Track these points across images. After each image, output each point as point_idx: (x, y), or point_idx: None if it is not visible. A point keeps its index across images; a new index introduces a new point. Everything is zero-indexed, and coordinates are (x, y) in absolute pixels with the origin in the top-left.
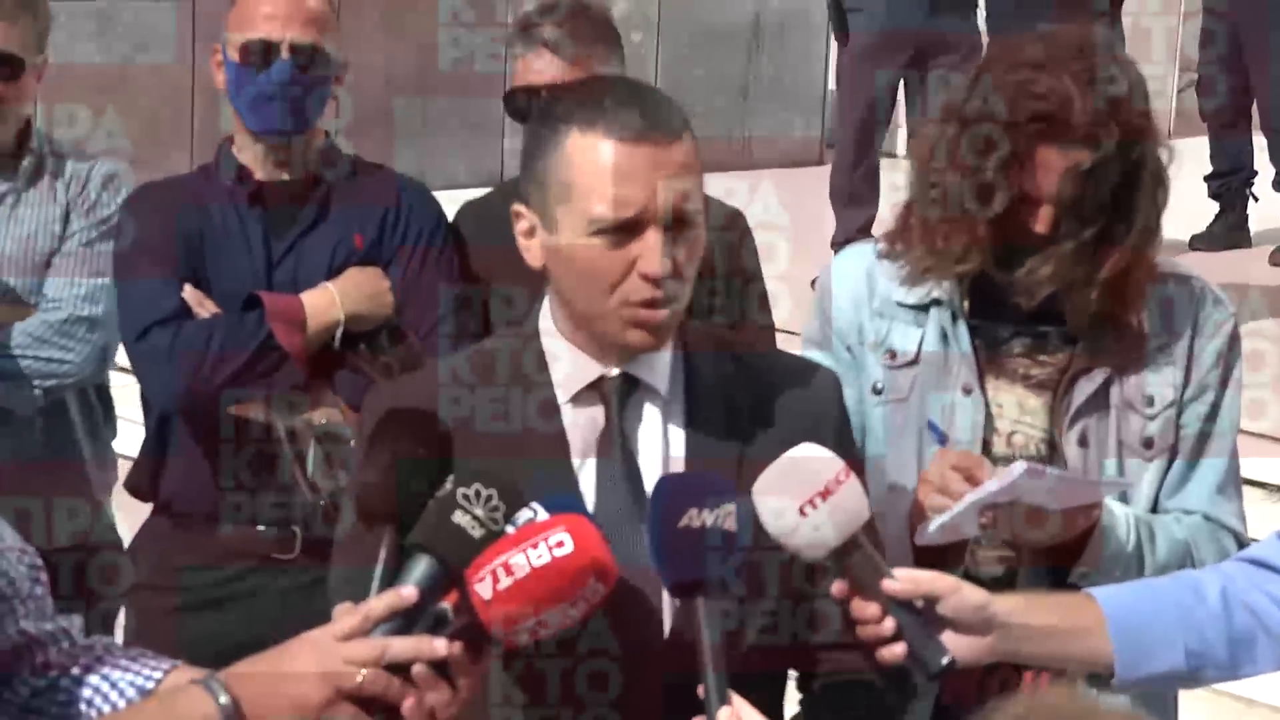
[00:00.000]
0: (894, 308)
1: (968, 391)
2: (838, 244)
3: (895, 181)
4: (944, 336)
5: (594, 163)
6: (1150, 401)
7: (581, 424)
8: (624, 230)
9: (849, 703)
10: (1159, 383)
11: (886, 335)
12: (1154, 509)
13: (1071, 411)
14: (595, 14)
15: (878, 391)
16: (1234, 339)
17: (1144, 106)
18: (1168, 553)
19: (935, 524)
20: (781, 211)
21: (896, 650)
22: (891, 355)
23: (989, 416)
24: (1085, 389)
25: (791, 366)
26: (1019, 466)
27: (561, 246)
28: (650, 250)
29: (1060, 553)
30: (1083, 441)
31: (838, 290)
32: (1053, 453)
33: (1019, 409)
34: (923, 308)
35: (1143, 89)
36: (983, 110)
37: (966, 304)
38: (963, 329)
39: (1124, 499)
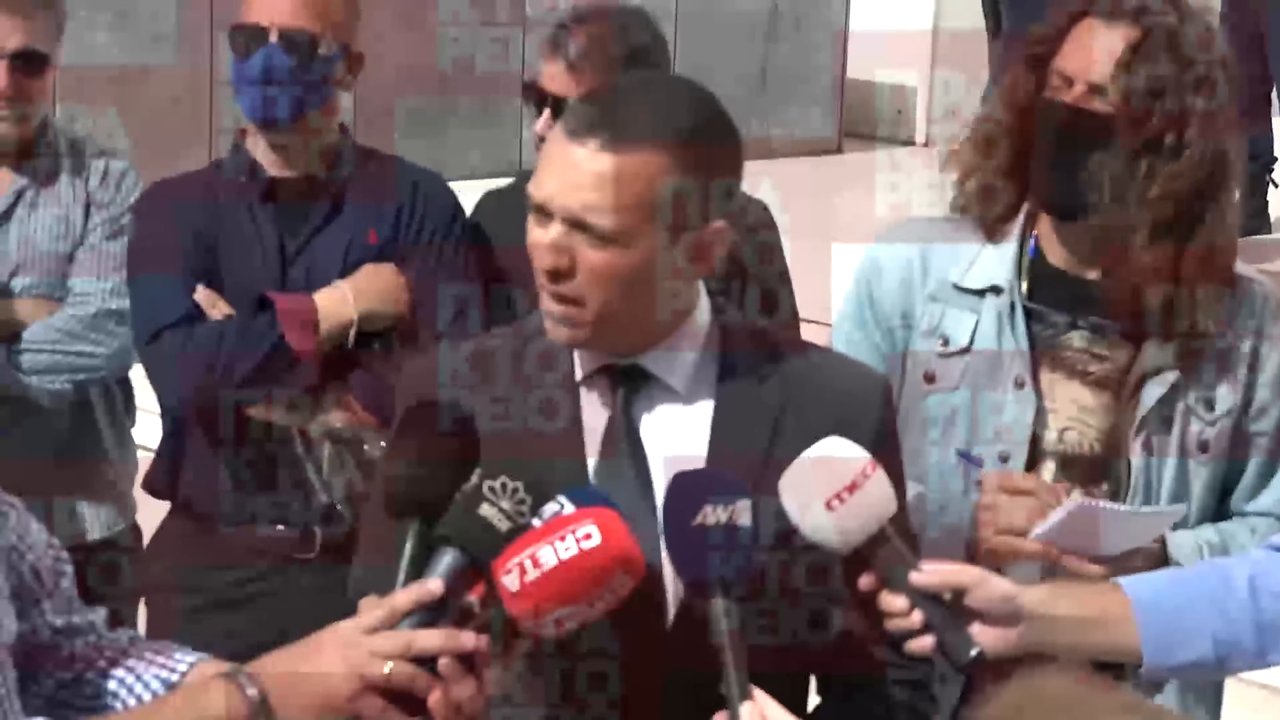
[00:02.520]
0: (950, 291)
1: (1020, 385)
2: None
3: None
4: (999, 325)
5: (546, 145)
6: (1210, 406)
7: (595, 411)
8: (540, 213)
9: (871, 704)
10: (1221, 387)
11: (940, 321)
12: (1218, 513)
13: (1140, 416)
14: (624, 35)
15: (929, 379)
16: None
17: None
18: None
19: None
20: (788, 206)
21: (925, 643)
22: (944, 342)
23: (1041, 411)
24: (1154, 392)
25: (838, 372)
26: (1068, 505)
27: None
28: (543, 237)
29: None
30: (1147, 446)
31: (888, 270)
32: (1110, 454)
33: (1075, 406)
34: (979, 293)
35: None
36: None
37: (1025, 285)
38: (1020, 318)
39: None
